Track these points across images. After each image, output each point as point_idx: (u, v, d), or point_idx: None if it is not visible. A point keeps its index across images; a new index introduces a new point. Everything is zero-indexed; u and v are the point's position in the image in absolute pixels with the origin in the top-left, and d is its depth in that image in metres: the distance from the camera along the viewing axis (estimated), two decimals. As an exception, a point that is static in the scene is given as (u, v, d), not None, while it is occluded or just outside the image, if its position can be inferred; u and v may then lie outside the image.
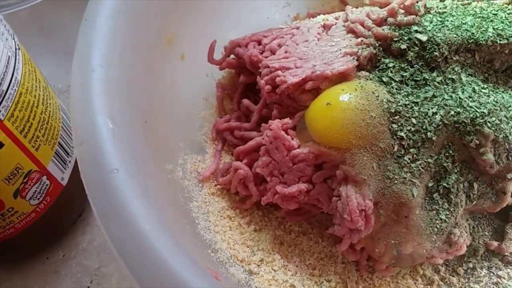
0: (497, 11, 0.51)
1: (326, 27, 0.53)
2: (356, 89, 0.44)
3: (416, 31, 0.47)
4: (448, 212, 0.45)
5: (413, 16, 0.48)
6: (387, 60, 0.46)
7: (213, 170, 0.52)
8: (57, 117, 0.47)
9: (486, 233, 0.51)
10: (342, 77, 0.47)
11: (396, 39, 0.47)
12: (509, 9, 0.51)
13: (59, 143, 0.47)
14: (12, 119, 0.40)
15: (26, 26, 0.59)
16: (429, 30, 0.48)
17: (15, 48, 0.41)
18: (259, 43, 0.54)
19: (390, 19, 0.48)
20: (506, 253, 0.49)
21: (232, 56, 0.56)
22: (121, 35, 0.42)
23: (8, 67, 0.39)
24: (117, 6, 0.43)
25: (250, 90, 0.57)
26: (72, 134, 0.42)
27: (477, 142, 0.44)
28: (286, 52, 0.51)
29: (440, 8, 0.51)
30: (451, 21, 0.49)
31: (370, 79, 0.46)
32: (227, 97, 0.58)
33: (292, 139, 0.47)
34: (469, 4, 0.52)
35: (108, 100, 0.37)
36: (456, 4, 0.52)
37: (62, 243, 0.53)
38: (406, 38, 0.47)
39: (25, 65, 0.42)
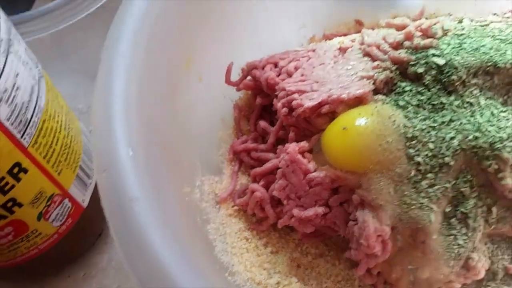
0: (515, 33, 0.51)
1: (342, 50, 0.53)
2: (372, 114, 0.45)
3: (434, 55, 0.47)
4: (466, 237, 0.45)
5: (431, 39, 0.48)
6: (403, 84, 0.46)
7: (230, 191, 0.53)
8: (79, 141, 0.48)
9: (506, 256, 0.50)
10: (358, 101, 0.47)
11: (413, 62, 0.47)
12: (527, 31, 0.51)
13: (80, 166, 0.48)
14: (36, 146, 0.42)
15: (47, 49, 0.61)
16: (447, 53, 0.48)
17: (39, 76, 0.42)
18: (276, 65, 0.54)
19: (407, 43, 0.49)
20: (526, 278, 0.49)
21: (249, 77, 0.56)
22: (141, 61, 0.43)
23: (32, 96, 0.40)
24: (136, 33, 0.44)
25: (267, 111, 0.57)
26: (93, 158, 0.43)
27: (496, 167, 0.43)
28: (302, 75, 0.51)
29: (458, 30, 0.51)
30: (469, 43, 0.49)
31: (387, 103, 0.46)
32: (244, 118, 0.59)
33: (309, 162, 0.47)
34: (487, 25, 0.52)
35: (128, 126, 0.38)
36: (474, 25, 0.52)
37: (82, 263, 0.54)
38: (423, 62, 0.47)
39: (48, 92, 0.44)
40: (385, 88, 0.47)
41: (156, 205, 0.35)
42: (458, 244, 0.44)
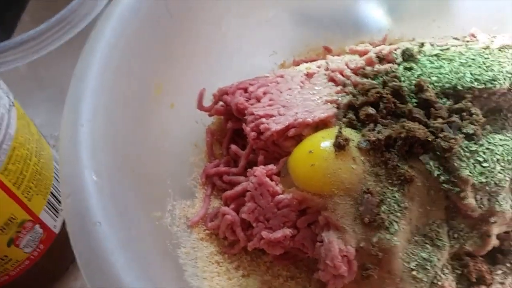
0: (475, 55, 0.53)
1: (309, 76, 0.55)
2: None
3: (394, 78, 0.49)
4: (432, 255, 0.45)
5: (390, 65, 0.50)
6: (366, 107, 0.48)
7: (202, 215, 0.53)
8: (50, 168, 0.49)
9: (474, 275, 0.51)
10: (323, 124, 0.49)
11: (375, 87, 0.49)
12: (486, 54, 0.53)
13: (51, 192, 0.49)
14: (5, 172, 0.42)
15: (23, 77, 0.62)
16: (407, 77, 0.50)
17: (9, 105, 0.43)
18: (246, 90, 0.56)
19: (368, 68, 0.51)
20: (494, 297, 0.49)
21: (220, 103, 0.58)
22: (109, 89, 0.44)
23: (1, 124, 0.41)
24: (105, 61, 0.45)
25: (239, 135, 0.59)
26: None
27: (458, 188, 0.44)
28: (270, 100, 0.53)
29: (418, 54, 0.53)
30: (430, 67, 0.51)
31: (350, 127, 0.48)
32: (217, 142, 0.60)
33: (277, 184, 0.48)
34: (448, 49, 0.54)
35: (94, 153, 0.39)
36: (435, 49, 0.54)
37: (55, 288, 0.54)
38: (383, 86, 0.48)
39: (19, 120, 0.44)
40: (349, 112, 0.49)
41: (119, 229, 0.36)
42: (425, 261, 0.45)
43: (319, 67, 0.55)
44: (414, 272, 0.44)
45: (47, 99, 0.62)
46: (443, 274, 0.47)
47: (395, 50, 0.52)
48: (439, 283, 0.46)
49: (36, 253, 0.48)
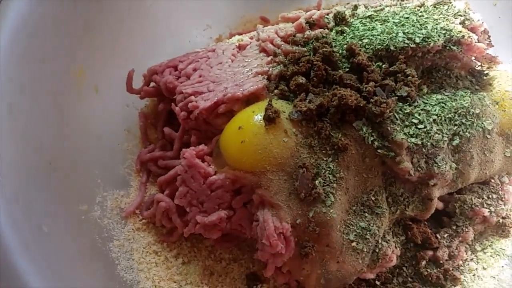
0: (409, 14, 0.51)
1: (241, 48, 0.52)
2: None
3: (324, 44, 0.46)
4: (372, 224, 0.44)
5: (320, 30, 0.48)
6: (296, 77, 0.45)
7: (137, 204, 0.50)
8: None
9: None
10: (254, 97, 0.46)
11: (305, 54, 0.46)
12: (420, 12, 0.51)
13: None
14: None
15: None
16: (339, 42, 0.47)
17: None
18: (176, 68, 0.53)
19: (299, 35, 0.48)
20: (441, 261, 0.48)
21: (152, 84, 0.54)
22: (15, 76, 0.40)
23: None
24: (11, 42, 0.41)
25: (175, 117, 0.55)
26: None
27: (392, 153, 0.43)
28: (200, 76, 0.50)
29: (351, 17, 0.50)
30: (362, 29, 0.49)
31: (283, 99, 0.45)
32: (152, 126, 0.56)
33: (209, 165, 0.45)
34: (381, 10, 0.52)
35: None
36: (368, 11, 0.52)
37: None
38: (313, 53, 0.46)
39: None
40: (280, 83, 0.46)
41: (23, 228, 0.32)
42: (364, 230, 0.43)
43: (251, 38, 0.52)
44: (354, 244, 0.43)
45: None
46: (385, 241, 0.46)
47: (327, 14, 0.49)
48: (381, 251, 0.45)
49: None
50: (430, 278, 0.48)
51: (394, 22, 0.50)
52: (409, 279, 0.48)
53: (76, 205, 0.44)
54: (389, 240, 0.46)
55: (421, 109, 0.45)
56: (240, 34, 0.60)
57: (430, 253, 0.49)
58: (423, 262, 0.48)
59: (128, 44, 0.56)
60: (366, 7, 0.52)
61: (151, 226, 0.50)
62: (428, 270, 0.48)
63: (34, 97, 0.42)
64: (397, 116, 0.44)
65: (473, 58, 0.51)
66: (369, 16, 0.51)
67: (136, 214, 0.50)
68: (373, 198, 0.44)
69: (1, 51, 0.41)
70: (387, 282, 0.47)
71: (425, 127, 0.44)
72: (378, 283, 0.47)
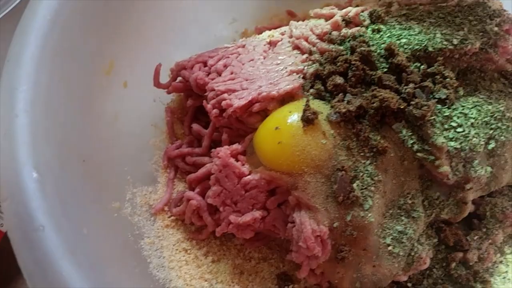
0: (444, 14, 0.50)
1: (272, 44, 0.51)
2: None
3: (362, 43, 0.45)
4: (408, 227, 0.44)
5: (357, 28, 0.47)
6: (333, 77, 0.44)
7: (166, 201, 0.50)
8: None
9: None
10: (289, 97, 0.45)
11: (342, 53, 0.45)
12: (456, 12, 0.50)
13: (-5, 189, 0.44)
14: None
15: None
16: (376, 41, 0.46)
17: None
18: (205, 64, 0.52)
19: (335, 33, 0.47)
20: (471, 263, 0.48)
21: (179, 78, 0.54)
22: (49, 73, 0.39)
23: None
24: (43, 41, 0.40)
25: (202, 112, 0.54)
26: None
27: (432, 157, 0.42)
28: (232, 73, 0.49)
29: (385, 14, 0.49)
30: (399, 28, 0.48)
31: (318, 98, 0.44)
32: (178, 121, 0.56)
33: (243, 165, 0.45)
34: (416, 8, 0.51)
35: (33, 147, 0.35)
36: (403, 8, 0.51)
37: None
38: (351, 52, 0.45)
39: None
40: (316, 82, 0.45)
41: (65, 232, 0.32)
42: (400, 234, 0.43)
43: (282, 34, 0.51)
44: (390, 248, 0.43)
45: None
46: (420, 244, 0.45)
47: (362, 12, 0.48)
48: (416, 254, 0.45)
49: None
50: (460, 280, 0.48)
51: (430, 22, 0.49)
52: (439, 280, 0.48)
53: (109, 203, 0.43)
54: (423, 243, 0.45)
55: (460, 112, 0.44)
56: (267, 28, 0.59)
57: (460, 255, 0.49)
58: (453, 264, 0.48)
59: (154, 38, 0.55)
60: (399, 4, 0.51)
61: (179, 223, 0.50)
62: (458, 271, 0.48)
63: (66, 95, 0.42)
64: (436, 119, 0.43)
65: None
66: (404, 15, 0.50)
67: (165, 211, 0.50)
68: (410, 202, 0.43)
69: (34, 50, 0.40)
70: (418, 283, 0.47)
71: (463, 130, 0.43)
72: (409, 284, 0.47)
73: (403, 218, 0.44)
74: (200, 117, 0.55)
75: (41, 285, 0.30)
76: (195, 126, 0.52)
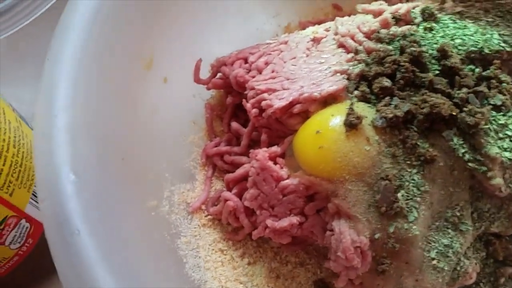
0: (502, 12, 0.46)
1: (316, 41, 0.49)
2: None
3: (413, 43, 0.43)
4: (455, 241, 0.41)
5: (408, 26, 0.44)
6: (380, 79, 0.42)
7: (203, 200, 0.49)
8: (32, 156, 0.45)
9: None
10: (332, 98, 0.43)
11: (391, 53, 0.43)
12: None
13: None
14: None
15: (2, 55, 0.57)
16: (428, 41, 0.43)
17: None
18: (246, 61, 0.50)
19: (383, 31, 0.44)
20: (521, 279, 0.45)
21: (219, 75, 0.52)
22: (88, 71, 0.39)
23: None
24: (83, 39, 0.40)
25: (241, 110, 0.53)
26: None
27: (485, 168, 0.39)
28: (273, 72, 0.47)
29: (438, 11, 0.46)
30: (453, 27, 0.45)
31: (363, 101, 0.42)
32: (217, 118, 0.55)
33: (281, 168, 0.43)
34: (472, 6, 0.47)
35: (72, 148, 0.35)
36: (457, 5, 0.47)
37: (50, 283, 0.51)
38: (400, 52, 0.42)
39: (-9, 109, 0.40)
40: (361, 83, 0.43)
41: (102, 236, 0.32)
42: (450, 250, 0.41)
43: (327, 30, 0.49)
44: (434, 262, 0.40)
45: (30, 76, 0.57)
46: (467, 259, 0.43)
47: (414, 8, 0.46)
48: (463, 269, 0.42)
49: (25, 247, 0.45)
50: (509, 297, 0.45)
51: (487, 21, 0.45)
52: (486, 296, 0.46)
53: (147, 202, 0.43)
54: (470, 256, 0.43)
55: (515, 120, 0.41)
56: (311, 23, 0.57)
57: (510, 270, 0.46)
58: (503, 279, 0.45)
59: (195, 32, 0.54)
60: (454, 0, 0.48)
61: (216, 222, 0.49)
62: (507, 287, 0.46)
63: (105, 92, 0.41)
64: (491, 127, 0.40)
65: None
66: (459, 12, 0.46)
67: (202, 209, 0.49)
68: (458, 214, 0.41)
69: (73, 48, 0.39)
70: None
71: (519, 140, 0.40)
72: (454, 299, 0.45)
73: (450, 231, 0.41)
74: (240, 114, 0.54)
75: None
76: (234, 125, 0.51)
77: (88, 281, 0.29)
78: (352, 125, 0.39)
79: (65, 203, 0.32)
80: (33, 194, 0.45)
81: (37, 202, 0.45)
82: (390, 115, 0.39)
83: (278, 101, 0.44)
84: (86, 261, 0.30)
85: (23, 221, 0.44)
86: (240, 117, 0.53)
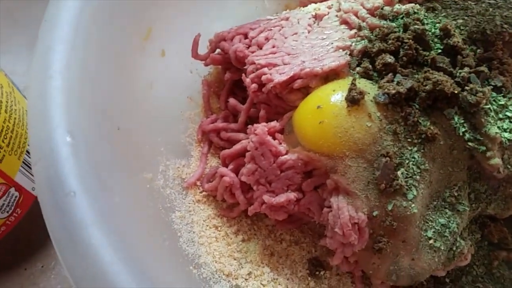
0: (506, -5, 0.46)
1: (318, 17, 0.48)
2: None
3: (416, 21, 0.42)
4: (452, 221, 0.41)
5: (412, 5, 0.43)
6: (383, 55, 0.42)
7: (198, 176, 0.49)
8: (24, 123, 0.44)
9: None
10: (334, 74, 0.43)
11: (394, 30, 0.42)
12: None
13: (27, 151, 0.44)
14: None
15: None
16: (431, 20, 0.43)
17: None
18: (246, 36, 0.50)
19: (387, 8, 0.44)
20: (515, 262, 0.45)
21: (218, 50, 0.52)
22: (85, 35, 0.38)
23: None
24: (81, 3, 0.39)
25: (239, 87, 0.53)
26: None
27: (484, 147, 0.39)
28: (273, 47, 0.47)
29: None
30: (455, 8, 0.45)
31: (365, 78, 0.42)
32: (214, 94, 0.54)
33: (280, 144, 0.43)
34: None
35: (67, 110, 0.33)
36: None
37: (40, 254, 0.50)
38: (403, 29, 0.42)
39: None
40: (364, 60, 0.43)
41: (97, 200, 0.31)
42: (446, 230, 0.40)
43: (329, 7, 0.48)
44: (431, 241, 0.40)
45: (26, 43, 0.56)
46: (462, 239, 0.43)
47: (417, -13, 0.45)
48: (458, 250, 0.42)
49: (13, 217, 0.44)
50: (502, 280, 0.45)
51: (489, 2, 0.45)
52: (480, 278, 0.46)
53: (142, 173, 0.42)
54: (465, 237, 0.43)
55: (516, 101, 0.41)
56: (312, 1, 0.56)
57: (504, 253, 0.46)
58: (496, 263, 0.46)
59: (195, 7, 0.53)
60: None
61: (211, 198, 0.48)
62: (501, 271, 0.45)
63: (102, 59, 0.40)
64: (491, 108, 0.40)
65: None
66: (463, -8, 0.46)
67: (197, 185, 0.48)
68: (455, 194, 0.41)
69: (71, 12, 0.38)
70: (456, 279, 0.45)
71: (519, 121, 0.40)
72: (447, 280, 0.45)
73: (447, 211, 0.41)
74: (237, 91, 0.53)
75: (68, 251, 0.29)
76: (232, 101, 0.50)
77: (81, 242, 0.29)
78: (354, 100, 0.39)
79: (61, 165, 0.31)
80: (23, 163, 0.43)
81: (28, 171, 0.44)
82: (393, 91, 0.39)
83: (278, 76, 0.43)
84: (80, 223, 0.29)
85: (12, 189, 0.43)
86: (237, 94, 0.53)
